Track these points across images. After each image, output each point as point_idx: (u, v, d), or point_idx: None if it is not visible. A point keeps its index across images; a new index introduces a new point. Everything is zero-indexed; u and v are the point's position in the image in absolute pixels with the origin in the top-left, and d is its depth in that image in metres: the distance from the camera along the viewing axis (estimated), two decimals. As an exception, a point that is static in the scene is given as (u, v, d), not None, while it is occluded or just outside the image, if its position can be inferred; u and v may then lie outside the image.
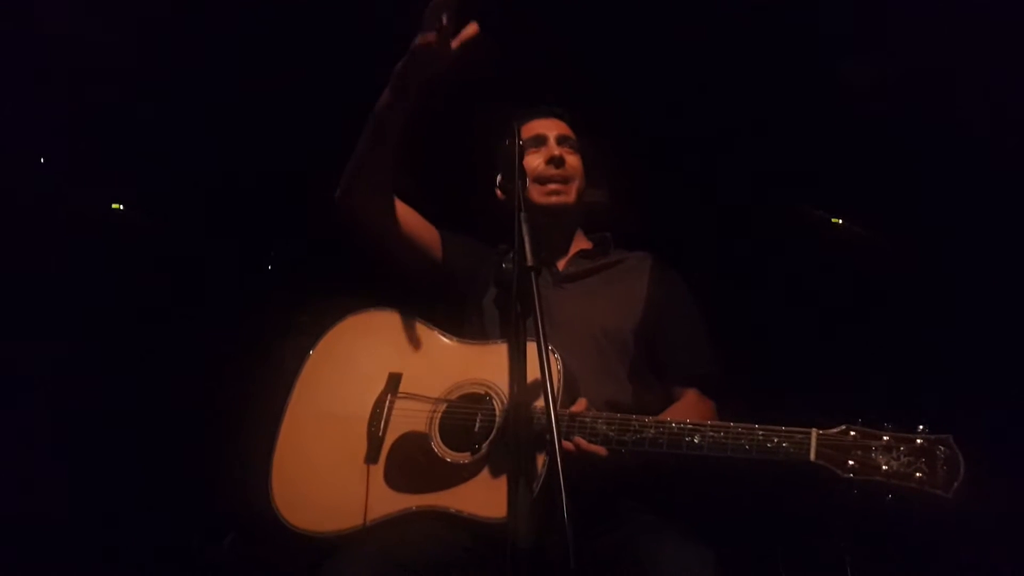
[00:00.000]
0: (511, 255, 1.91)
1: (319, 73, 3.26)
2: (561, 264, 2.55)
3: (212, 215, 3.46)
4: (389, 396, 2.30)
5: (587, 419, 2.06)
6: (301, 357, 2.47)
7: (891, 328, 2.86)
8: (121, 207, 3.46)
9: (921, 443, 1.79)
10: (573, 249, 2.58)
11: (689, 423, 1.96)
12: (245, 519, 2.74)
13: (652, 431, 1.99)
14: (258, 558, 2.68)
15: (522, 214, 1.92)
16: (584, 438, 2.02)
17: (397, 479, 2.18)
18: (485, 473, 2.11)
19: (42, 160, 3.31)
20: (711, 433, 1.93)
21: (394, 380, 2.33)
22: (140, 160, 3.36)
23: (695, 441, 1.93)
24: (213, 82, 3.28)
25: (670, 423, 1.98)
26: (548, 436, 1.66)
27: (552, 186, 2.48)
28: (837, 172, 3.00)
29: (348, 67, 3.09)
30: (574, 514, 2.01)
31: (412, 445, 2.22)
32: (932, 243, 2.80)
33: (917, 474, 1.76)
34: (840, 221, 2.74)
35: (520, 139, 2.08)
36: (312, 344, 2.49)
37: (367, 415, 2.29)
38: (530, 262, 1.85)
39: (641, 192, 3.05)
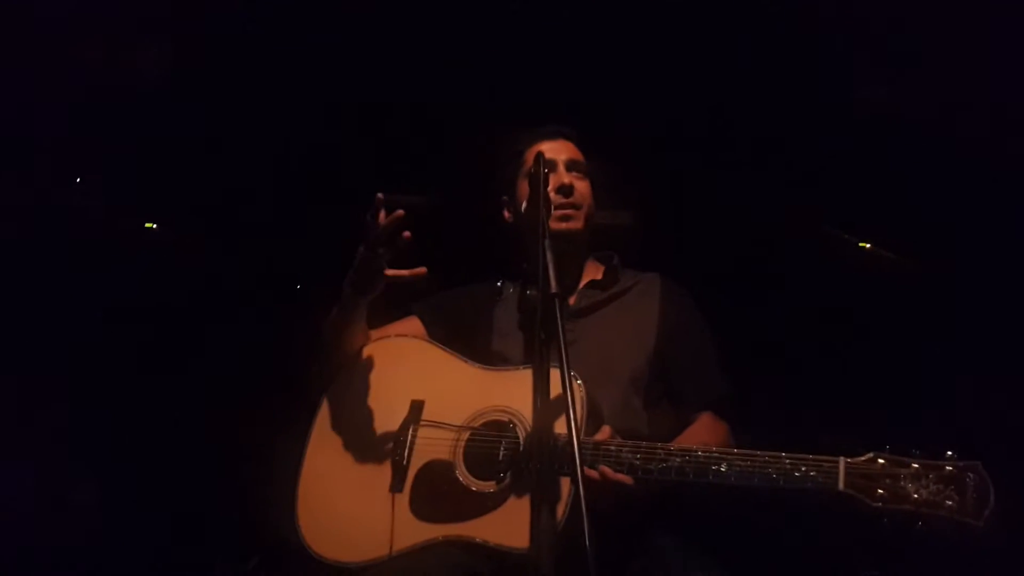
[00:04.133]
0: (524, 280, 1.91)
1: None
2: (572, 299, 2.52)
3: (242, 237, 3.48)
4: (412, 424, 2.31)
5: (612, 447, 2.05)
6: (326, 383, 2.49)
7: (914, 352, 2.85)
8: (154, 226, 3.48)
9: (951, 470, 1.78)
10: (584, 278, 2.57)
11: (715, 451, 1.96)
12: (269, 544, 2.75)
13: (678, 460, 1.98)
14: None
15: (546, 241, 1.92)
16: (609, 467, 2.02)
17: (422, 508, 2.18)
18: (511, 502, 2.10)
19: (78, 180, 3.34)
20: (738, 462, 1.92)
21: (416, 408, 2.33)
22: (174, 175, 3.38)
23: (722, 470, 1.92)
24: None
25: (696, 451, 1.98)
26: (570, 464, 1.64)
27: (560, 211, 2.47)
28: (863, 194, 2.98)
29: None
30: (598, 543, 2.06)
31: (436, 474, 2.22)
32: (963, 267, 2.77)
33: (947, 502, 1.75)
34: (868, 245, 2.73)
35: (522, 163, 2.08)
36: (335, 372, 2.50)
37: (390, 443, 2.30)
38: (554, 289, 1.84)
39: (660, 214, 3.04)
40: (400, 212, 2.15)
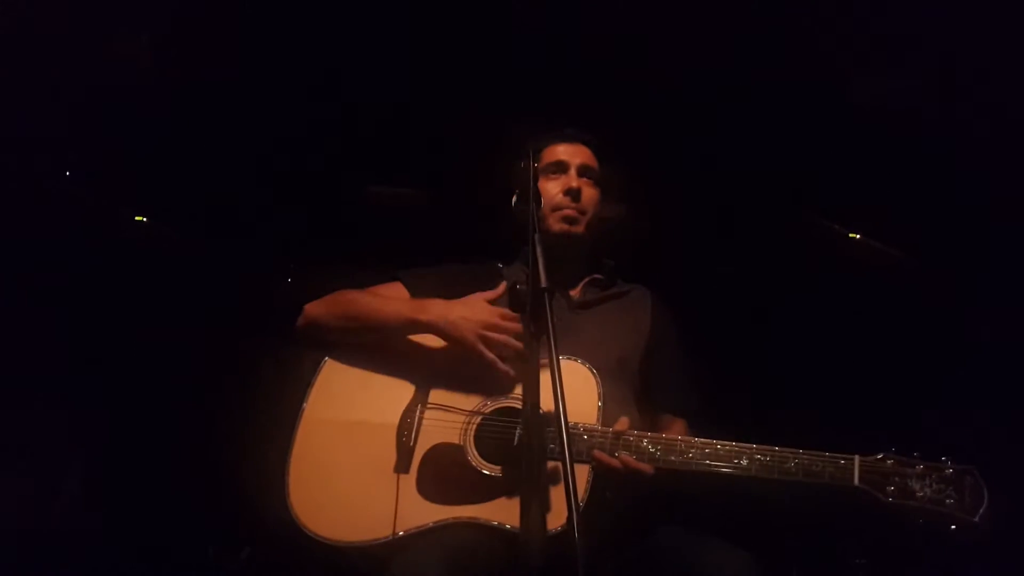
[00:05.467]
0: (517, 274, 1.95)
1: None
2: (575, 292, 2.59)
3: (228, 216, 3.33)
4: (419, 407, 2.29)
5: (631, 438, 2.12)
6: (315, 364, 2.42)
7: (908, 349, 3.04)
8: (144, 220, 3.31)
9: (950, 473, 1.95)
10: (584, 277, 2.63)
11: (735, 445, 2.06)
12: (264, 529, 2.63)
13: (697, 451, 2.07)
14: (279, 568, 2.57)
15: (536, 235, 1.96)
16: (630, 456, 2.08)
17: (430, 490, 2.16)
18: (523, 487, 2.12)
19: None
20: (758, 456, 2.03)
21: (423, 390, 2.32)
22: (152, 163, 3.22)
23: (743, 463, 2.03)
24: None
25: (716, 444, 2.07)
26: (560, 450, 1.63)
27: (563, 213, 2.52)
28: (862, 187, 3.15)
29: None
30: (603, 527, 2.10)
31: (445, 456, 2.21)
32: (959, 261, 2.96)
33: (948, 500, 1.93)
34: (857, 236, 2.89)
35: (536, 162, 2.14)
36: (327, 351, 2.44)
37: (395, 424, 2.27)
38: (544, 283, 1.87)
39: (665, 213, 3.14)
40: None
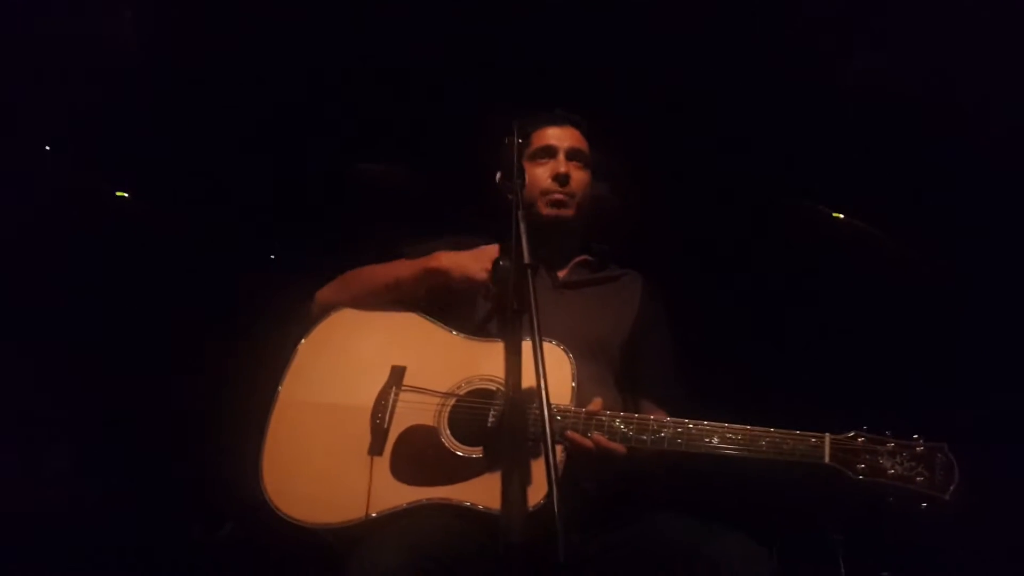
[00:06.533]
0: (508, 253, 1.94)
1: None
2: (562, 272, 2.59)
3: (200, 200, 3.33)
4: (394, 388, 2.29)
5: (604, 418, 2.12)
6: (291, 346, 2.42)
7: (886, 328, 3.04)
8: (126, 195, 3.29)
9: (921, 450, 1.95)
10: (574, 259, 2.63)
11: (707, 425, 2.06)
12: (242, 510, 2.65)
13: (670, 431, 2.07)
14: (258, 546, 2.59)
15: (520, 212, 1.95)
16: (602, 436, 2.08)
17: (404, 471, 2.16)
18: (498, 467, 2.11)
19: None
20: (729, 435, 2.03)
21: (398, 373, 2.31)
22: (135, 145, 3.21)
23: (714, 442, 2.03)
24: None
25: (688, 424, 2.07)
26: (538, 430, 1.71)
27: (552, 198, 2.52)
28: (843, 169, 3.15)
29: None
30: (585, 510, 2.11)
31: (419, 438, 2.21)
32: (938, 243, 2.96)
33: (919, 478, 1.93)
34: (842, 216, 2.90)
35: (520, 138, 2.14)
36: (303, 334, 2.44)
37: (369, 407, 2.27)
38: (527, 260, 1.87)
39: (651, 195, 3.14)
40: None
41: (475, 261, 2.32)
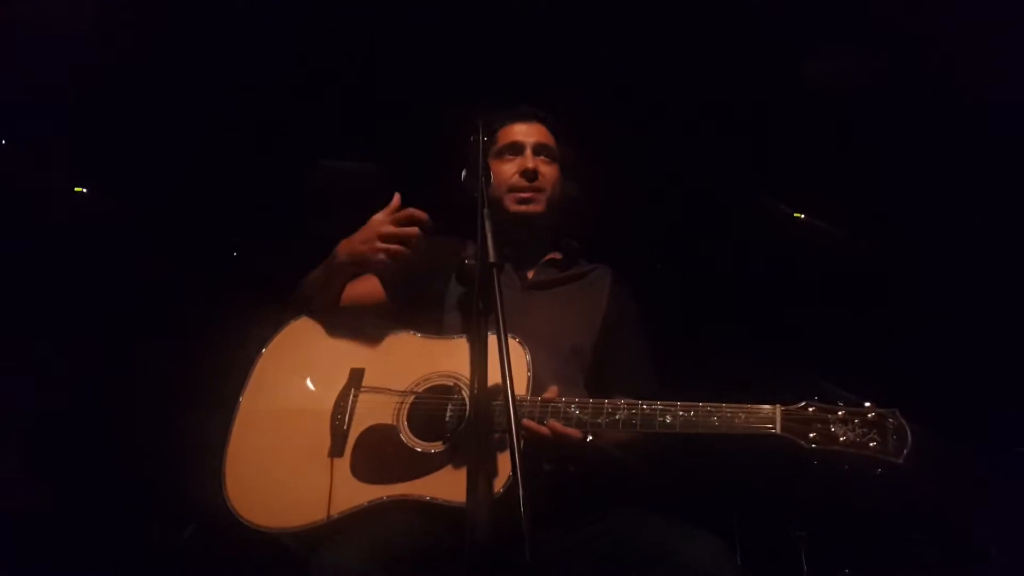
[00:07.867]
0: (473, 252, 1.97)
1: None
2: (531, 273, 2.59)
3: (172, 203, 3.35)
4: (353, 390, 2.29)
5: (559, 404, 2.12)
6: (253, 354, 2.44)
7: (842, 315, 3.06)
8: (83, 191, 3.29)
9: (872, 416, 1.95)
10: (543, 257, 2.63)
11: (659, 405, 2.06)
12: (204, 514, 2.64)
13: (624, 412, 2.07)
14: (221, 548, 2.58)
15: (485, 211, 1.98)
16: (558, 422, 2.08)
17: (364, 471, 2.16)
18: (458, 460, 2.12)
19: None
20: (681, 413, 2.03)
21: (356, 375, 2.32)
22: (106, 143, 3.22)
23: (667, 420, 2.03)
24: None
25: (641, 405, 2.07)
26: (505, 424, 1.68)
27: (523, 195, 2.52)
28: (803, 168, 3.19)
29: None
30: (552, 506, 2.10)
31: (379, 437, 2.21)
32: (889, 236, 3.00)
33: (871, 443, 1.92)
34: (802, 216, 2.95)
35: (486, 136, 2.16)
36: (265, 341, 2.46)
37: (329, 410, 2.27)
38: (492, 258, 1.89)
39: (616, 190, 3.16)
40: (424, 216, 2.25)
41: (364, 244, 2.29)
